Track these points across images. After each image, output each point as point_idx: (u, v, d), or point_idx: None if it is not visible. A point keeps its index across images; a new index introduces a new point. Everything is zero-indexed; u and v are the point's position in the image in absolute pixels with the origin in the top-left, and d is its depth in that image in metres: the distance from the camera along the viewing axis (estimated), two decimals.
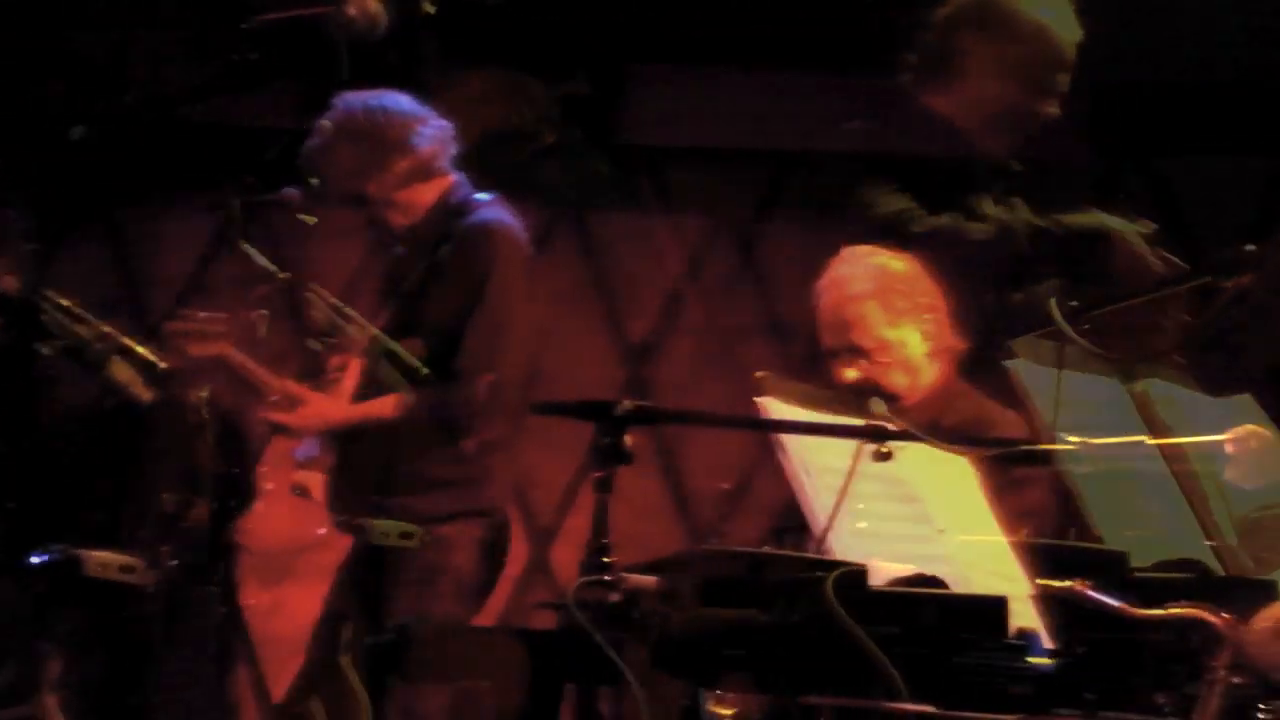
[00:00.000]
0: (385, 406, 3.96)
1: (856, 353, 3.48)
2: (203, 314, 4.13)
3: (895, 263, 3.54)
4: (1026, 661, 1.73)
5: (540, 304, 4.23)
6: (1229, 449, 1.94)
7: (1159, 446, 2.20)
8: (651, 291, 5.92)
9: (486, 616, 4.42)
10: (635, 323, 5.92)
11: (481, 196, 4.10)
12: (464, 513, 4.02)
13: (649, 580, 1.82)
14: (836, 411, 2.75)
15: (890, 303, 3.47)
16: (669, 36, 5.70)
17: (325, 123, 4.03)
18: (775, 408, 2.73)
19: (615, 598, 1.81)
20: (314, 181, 4.00)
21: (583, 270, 5.92)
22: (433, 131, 4.06)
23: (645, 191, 5.89)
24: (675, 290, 5.92)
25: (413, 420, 3.96)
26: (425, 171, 4.07)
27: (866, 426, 2.23)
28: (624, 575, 1.84)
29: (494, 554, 4.09)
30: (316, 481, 4.14)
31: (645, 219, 5.96)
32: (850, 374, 3.47)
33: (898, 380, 3.46)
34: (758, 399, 2.75)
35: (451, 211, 4.08)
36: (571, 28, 5.62)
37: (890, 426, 2.21)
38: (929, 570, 2.19)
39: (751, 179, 5.89)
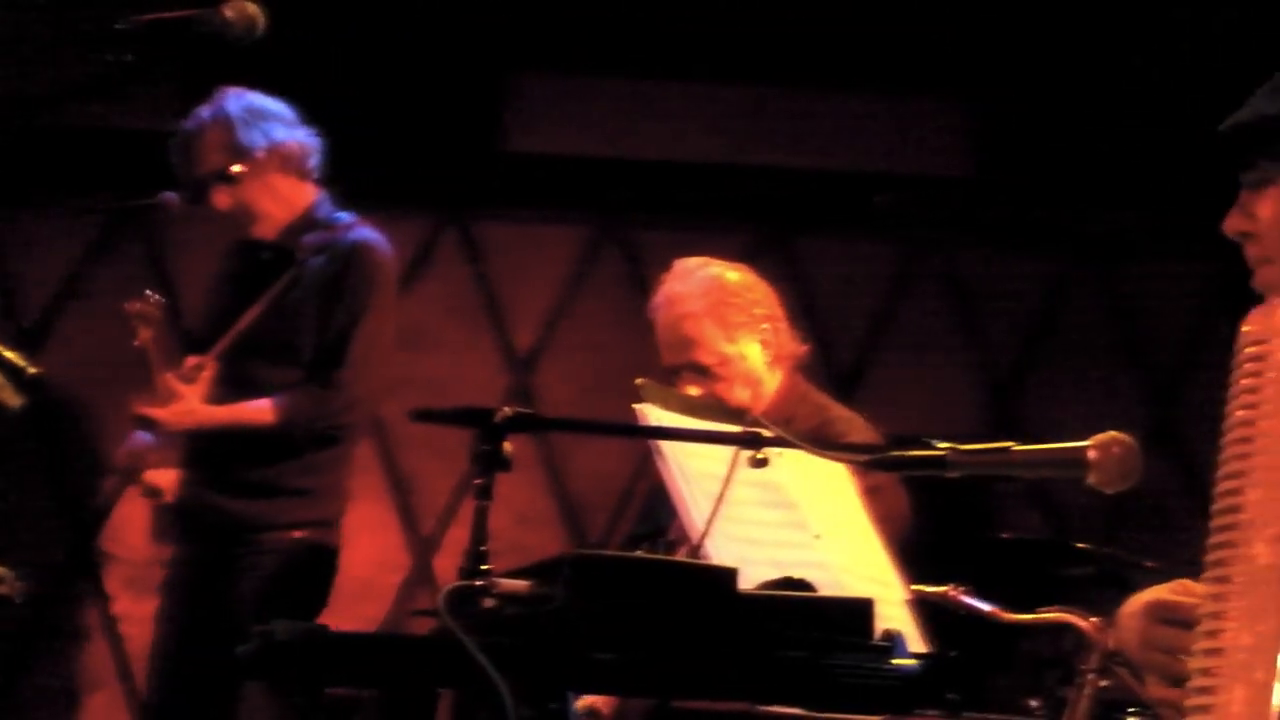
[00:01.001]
0: (264, 411, 3.91)
1: (698, 370, 3.45)
2: (154, 297, 4.10)
3: (729, 274, 3.51)
4: (891, 663, 1.75)
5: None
6: (1091, 455, 1.97)
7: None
8: (537, 300, 5.92)
9: (368, 627, 4.39)
10: (520, 331, 5.91)
11: (345, 215, 4.09)
12: (312, 523, 3.99)
13: (521, 584, 1.82)
14: (715, 418, 2.77)
15: (726, 317, 3.44)
16: (554, 44, 5.71)
17: (200, 110, 4.03)
18: (654, 414, 2.75)
19: (490, 603, 1.81)
20: (182, 166, 4.00)
21: (467, 278, 5.90)
22: (304, 135, 4.05)
23: (530, 200, 5.89)
24: (561, 299, 5.92)
25: (289, 426, 3.92)
26: (295, 167, 4.04)
27: (743, 433, 2.24)
28: (496, 580, 1.84)
29: (332, 566, 4.06)
30: (168, 480, 4.07)
31: (530, 227, 5.96)
32: (693, 391, 3.44)
33: (741, 394, 3.43)
34: (636, 406, 2.77)
35: (319, 225, 4.04)
36: (456, 35, 5.61)
37: (766, 433, 2.22)
38: (805, 576, 2.21)
39: (636, 188, 5.91)
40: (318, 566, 4.01)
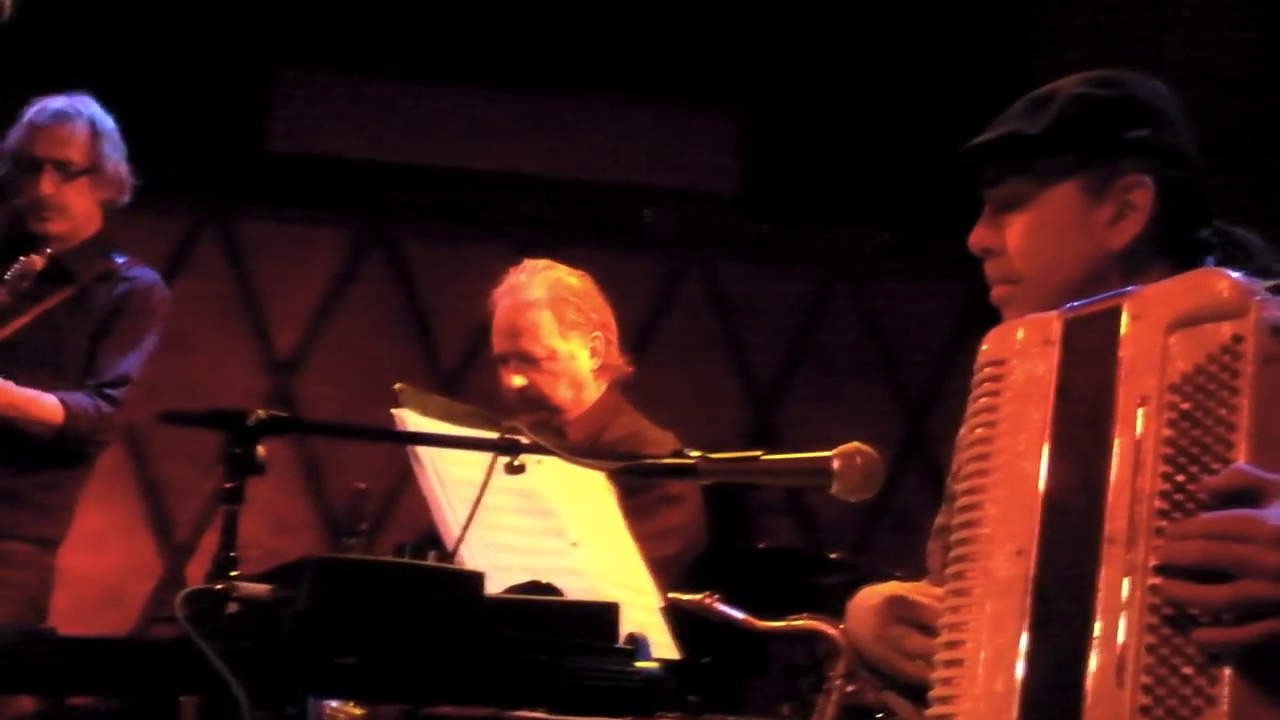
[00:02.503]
0: (53, 408, 3.75)
1: (526, 360, 3.51)
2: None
3: (571, 278, 3.60)
4: (635, 666, 1.77)
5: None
6: (834, 464, 2.01)
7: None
8: (300, 302, 5.83)
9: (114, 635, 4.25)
10: (282, 334, 5.81)
11: (120, 256, 4.02)
12: (45, 540, 3.86)
13: (262, 588, 1.78)
14: (473, 425, 2.76)
15: (564, 314, 3.53)
16: (322, 44, 5.64)
17: (64, 102, 3.95)
18: (412, 419, 2.73)
19: (233, 607, 1.77)
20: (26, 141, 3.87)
21: (227, 279, 5.78)
22: (125, 167, 3.98)
23: (294, 201, 5.81)
24: (324, 301, 5.84)
25: (71, 430, 3.77)
26: (112, 195, 3.96)
27: (500, 439, 2.24)
28: (237, 583, 1.80)
29: (49, 586, 3.93)
30: None
31: (294, 228, 5.86)
32: (517, 380, 3.50)
33: (563, 392, 3.51)
34: (395, 411, 2.75)
35: (100, 254, 3.96)
36: (221, 30, 5.50)
37: (523, 440, 2.22)
38: (561, 583, 2.21)
39: (402, 192, 5.86)
40: (39, 587, 3.87)
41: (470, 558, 2.51)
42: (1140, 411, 1.64)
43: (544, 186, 5.92)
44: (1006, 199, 1.92)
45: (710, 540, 3.46)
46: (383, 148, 5.79)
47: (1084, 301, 1.76)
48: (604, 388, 3.60)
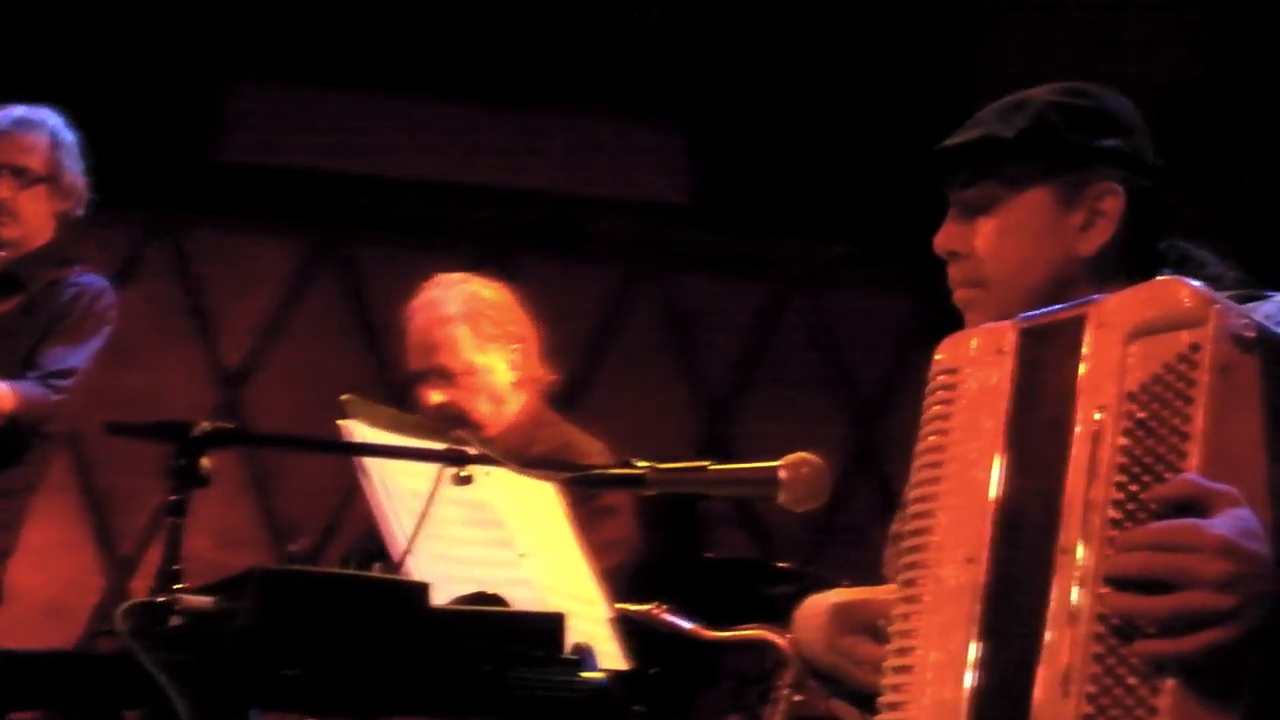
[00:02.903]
0: (3, 395, 3.70)
1: (443, 376, 3.44)
2: None
3: (487, 290, 3.54)
4: (580, 676, 1.76)
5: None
6: (781, 474, 2.01)
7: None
8: (249, 314, 5.79)
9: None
10: (231, 346, 5.77)
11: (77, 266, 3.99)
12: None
13: (206, 600, 1.76)
14: (421, 436, 2.74)
15: (480, 327, 3.47)
16: (273, 54, 5.61)
17: (30, 111, 3.92)
18: (360, 431, 2.71)
19: (176, 620, 1.75)
20: None
21: (176, 290, 5.74)
22: (83, 180, 3.95)
23: (244, 212, 5.77)
24: (274, 314, 5.81)
25: (22, 417, 3.72)
26: (70, 207, 3.93)
27: (448, 450, 2.22)
28: (180, 596, 1.77)
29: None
30: None
31: (245, 240, 5.83)
32: (436, 397, 3.43)
33: (482, 407, 3.44)
34: (342, 422, 2.73)
35: (52, 262, 3.93)
36: (170, 40, 5.46)
37: (471, 451, 2.20)
38: (509, 594, 2.20)
39: (354, 203, 5.84)
40: None
41: (418, 569, 2.49)
42: (1097, 420, 1.63)
43: (495, 198, 5.91)
44: (977, 201, 1.92)
45: (660, 551, 3.45)
46: (333, 159, 5.76)
47: (1043, 310, 1.76)
48: (526, 399, 3.52)
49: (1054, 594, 1.61)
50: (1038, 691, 1.59)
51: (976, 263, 1.91)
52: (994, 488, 1.71)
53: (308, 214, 5.83)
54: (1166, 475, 1.57)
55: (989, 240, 1.90)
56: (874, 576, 2.03)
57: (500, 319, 3.49)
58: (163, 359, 5.62)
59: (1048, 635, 1.60)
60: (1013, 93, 1.96)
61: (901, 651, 1.73)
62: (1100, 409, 1.63)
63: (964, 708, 1.66)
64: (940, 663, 1.69)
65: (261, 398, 5.74)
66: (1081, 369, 1.66)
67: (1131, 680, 1.54)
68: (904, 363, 5.93)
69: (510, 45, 5.73)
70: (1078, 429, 1.65)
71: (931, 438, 1.79)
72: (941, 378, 1.82)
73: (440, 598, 2.02)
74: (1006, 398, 1.74)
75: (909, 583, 1.75)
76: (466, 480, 2.18)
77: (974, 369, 1.80)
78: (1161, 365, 1.60)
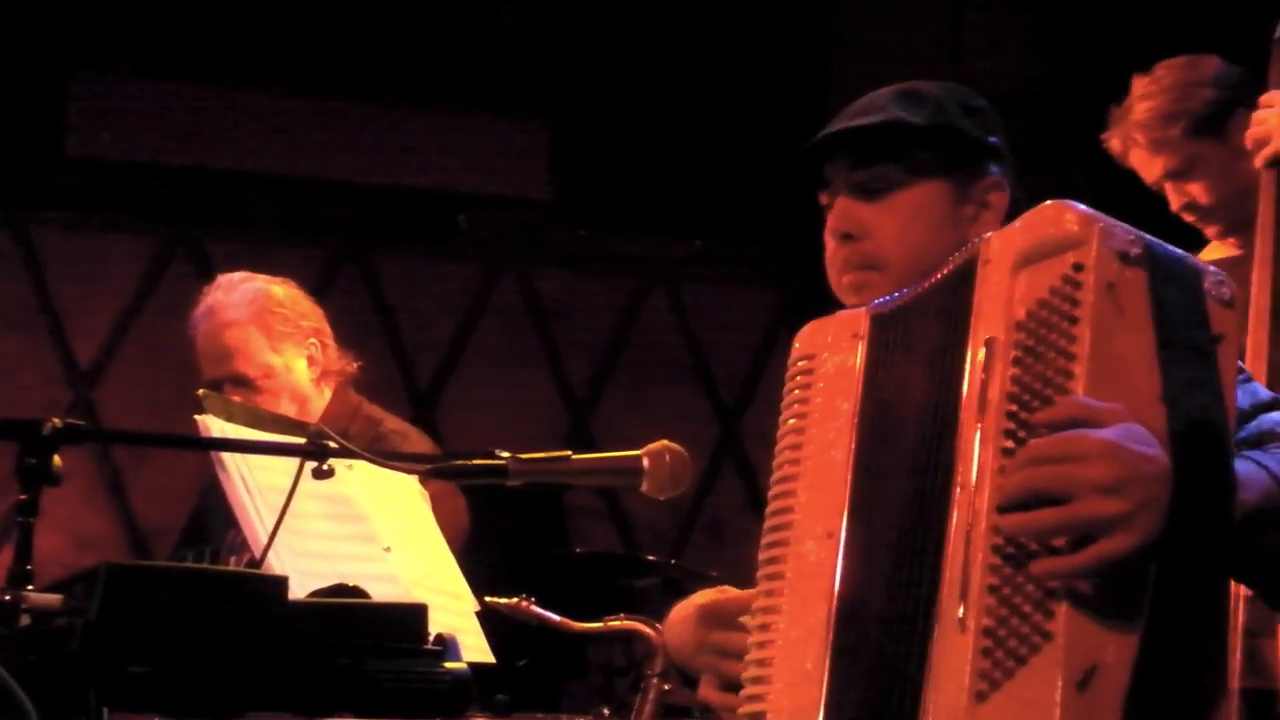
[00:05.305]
0: None
1: (241, 382, 3.32)
2: None
3: (274, 287, 3.42)
4: (443, 666, 1.74)
5: None
6: (644, 463, 2.01)
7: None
8: (101, 311, 5.66)
9: None
10: (82, 344, 5.64)
11: None
12: None
13: (53, 599, 1.71)
14: (281, 431, 2.70)
15: (271, 327, 3.34)
16: (121, 46, 5.49)
17: None
18: (216, 426, 2.66)
19: (25, 621, 1.70)
20: None
21: (24, 286, 5.59)
22: None
23: (95, 206, 5.64)
24: (126, 310, 5.68)
25: None
26: None
27: (308, 444, 2.18)
28: (24, 594, 1.73)
29: None
30: None
31: (95, 235, 5.70)
32: None
33: (286, 408, 3.32)
34: (198, 417, 2.67)
35: None
36: (16, 32, 5.32)
37: (332, 444, 2.17)
38: (375, 588, 2.17)
39: (207, 198, 5.74)
40: None
41: (280, 565, 2.45)
42: (982, 353, 1.61)
43: (354, 193, 5.84)
44: (873, 183, 1.91)
45: (527, 545, 3.44)
46: (186, 154, 5.66)
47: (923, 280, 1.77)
48: (331, 392, 3.42)
49: (951, 532, 1.58)
50: (937, 632, 1.56)
51: (875, 244, 1.90)
52: (851, 459, 1.72)
53: (159, 210, 5.71)
54: (1056, 399, 1.54)
55: (892, 223, 1.90)
56: (739, 569, 2.04)
57: (291, 315, 3.37)
58: (12, 357, 5.48)
59: (945, 575, 1.57)
60: (863, 94, 1.98)
61: (763, 628, 1.75)
62: (988, 343, 1.61)
63: (824, 674, 1.67)
64: (800, 637, 1.70)
65: (114, 396, 5.61)
66: (975, 308, 1.65)
67: (1026, 608, 1.51)
68: (765, 355, 5.97)
69: (372, 41, 5.67)
70: (970, 367, 1.63)
71: (791, 421, 1.82)
72: (800, 364, 1.85)
73: (303, 594, 1.99)
74: (861, 380, 1.77)
75: (770, 561, 1.77)
76: (327, 474, 2.14)
77: (831, 353, 1.83)
78: (1048, 290, 1.58)
